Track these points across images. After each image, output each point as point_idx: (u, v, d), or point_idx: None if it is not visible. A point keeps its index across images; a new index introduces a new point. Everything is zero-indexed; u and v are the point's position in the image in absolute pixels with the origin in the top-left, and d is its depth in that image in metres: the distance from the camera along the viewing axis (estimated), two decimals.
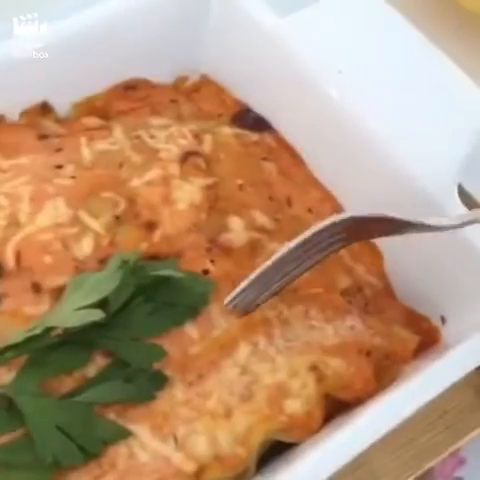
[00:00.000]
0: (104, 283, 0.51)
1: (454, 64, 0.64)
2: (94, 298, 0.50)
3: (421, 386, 0.51)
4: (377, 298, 0.63)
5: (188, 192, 0.62)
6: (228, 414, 0.51)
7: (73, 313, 0.50)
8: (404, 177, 0.61)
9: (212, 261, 0.58)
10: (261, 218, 0.63)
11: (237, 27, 0.70)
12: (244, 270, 0.56)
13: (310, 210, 0.67)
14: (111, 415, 0.50)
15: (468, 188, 0.65)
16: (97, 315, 0.49)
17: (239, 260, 0.59)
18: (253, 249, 0.61)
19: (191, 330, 0.55)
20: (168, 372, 0.52)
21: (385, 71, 0.64)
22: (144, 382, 0.52)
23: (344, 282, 0.63)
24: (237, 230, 0.61)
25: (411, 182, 0.61)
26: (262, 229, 0.62)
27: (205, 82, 0.76)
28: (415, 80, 0.63)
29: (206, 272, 0.58)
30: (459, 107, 0.63)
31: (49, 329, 0.49)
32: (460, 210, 0.58)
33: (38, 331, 0.49)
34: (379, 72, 0.64)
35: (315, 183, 0.68)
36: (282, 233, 0.62)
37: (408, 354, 0.59)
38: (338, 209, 0.67)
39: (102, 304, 0.51)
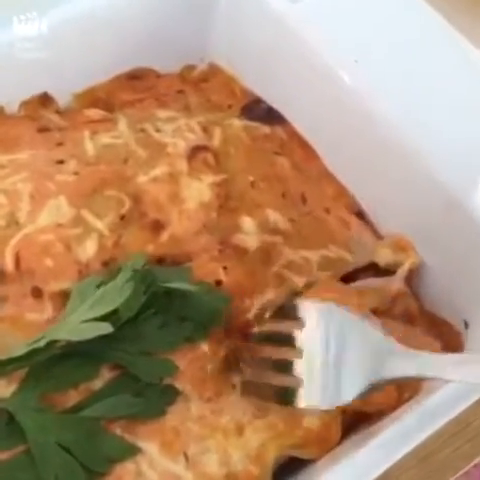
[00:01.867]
0: (113, 294, 0.48)
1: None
2: (103, 310, 0.47)
3: (447, 399, 0.48)
4: None
5: (197, 190, 0.58)
6: (240, 431, 0.48)
7: (80, 325, 0.46)
8: (426, 175, 0.58)
9: (225, 268, 0.55)
10: (274, 216, 0.60)
11: (248, 13, 0.67)
12: (257, 280, 0.54)
13: (327, 210, 0.64)
14: (117, 430, 0.47)
15: None
16: (106, 329, 0.46)
17: (252, 267, 0.56)
18: (267, 255, 0.58)
19: (204, 346, 0.52)
20: (185, 388, 0.50)
21: (404, 60, 0.61)
22: (155, 396, 0.49)
23: None
24: (249, 231, 0.58)
25: (433, 180, 0.58)
26: (276, 231, 0.59)
27: (213, 71, 0.72)
28: (435, 69, 0.60)
29: (219, 283, 0.54)
30: None
31: (53, 342, 0.46)
32: None
33: (42, 344, 0.45)
34: (398, 61, 0.60)
35: (329, 178, 0.65)
36: (299, 236, 0.59)
37: None
38: (353, 206, 0.64)
39: (110, 315, 0.48)
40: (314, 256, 0.59)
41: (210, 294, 0.52)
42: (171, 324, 0.51)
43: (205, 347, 0.51)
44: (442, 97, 0.61)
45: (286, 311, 0.51)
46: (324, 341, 0.48)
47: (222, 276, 0.54)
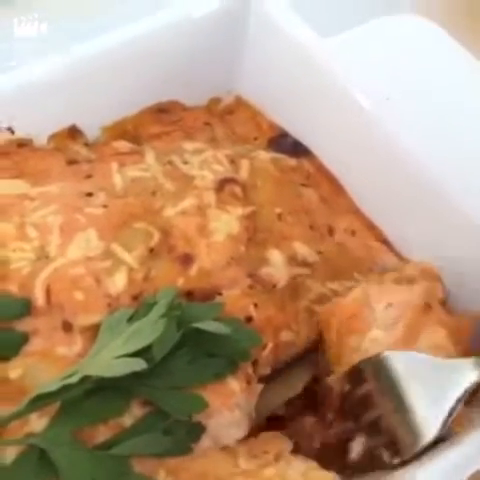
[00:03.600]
0: (146, 330, 0.48)
1: None
2: (135, 346, 0.47)
3: None
4: None
5: (225, 223, 0.58)
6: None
7: (112, 361, 0.46)
8: (456, 212, 0.58)
9: (255, 305, 0.55)
10: (302, 250, 0.60)
11: (276, 48, 0.67)
12: (287, 315, 0.54)
13: (353, 233, 0.64)
14: (162, 473, 0.47)
15: None
16: (139, 365, 0.46)
17: (281, 302, 0.57)
18: (296, 290, 0.58)
19: (233, 383, 0.51)
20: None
21: (435, 100, 0.61)
22: (182, 434, 0.49)
23: None
24: (278, 264, 0.58)
25: (464, 218, 0.57)
26: (304, 263, 0.59)
27: (239, 104, 0.73)
28: (468, 109, 0.60)
29: (249, 319, 0.54)
30: None
31: (86, 378, 0.46)
32: None
33: (75, 380, 0.45)
34: (430, 100, 0.61)
35: (357, 212, 0.65)
36: (325, 268, 0.59)
37: None
38: (383, 239, 0.64)
39: (143, 351, 0.47)
40: (340, 287, 0.59)
41: (240, 332, 0.52)
42: (200, 360, 0.51)
43: (234, 384, 0.51)
44: (469, 133, 0.61)
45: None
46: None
47: (253, 312, 0.54)
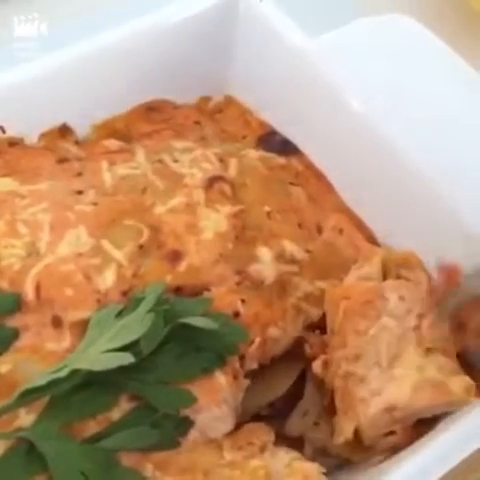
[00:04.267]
0: (134, 325, 0.49)
1: None
2: (123, 341, 0.48)
3: None
4: None
5: (214, 220, 0.59)
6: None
7: (100, 356, 0.47)
8: (445, 211, 0.59)
9: (243, 301, 0.56)
10: (291, 247, 0.60)
11: (265, 47, 0.68)
12: (274, 312, 0.54)
13: (341, 231, 0.64)
14: (149, 466, 0.48)
15: None
16: (126, 359, 0.46)
17: (269, 299, 0.57)
18: (283, 287, 0.58)
19: (220, 377, 0.52)
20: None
21: (421, 97, 0.61)
22: (170, 428, 0.49)
23: None
24: (266, 261, 0.58)
25: (454, 219, 0.58)
26: (292, 261, 0.60)
27: (229, 103, 0.73)
28: (452, 105, 0.61)
29: (237, 314, 0.55)
30: None
31: (74, 372, 0.46)
32: None
33: (63, 374, 0.46)
34: (415, 97, 0.61)
35: (345, 211, 0.65)
36: (314, 266, 0.60)
37: None
38: (370, 239, 0.64)
39: (131, 346, 0.48)
40: (329, 286, 0.60)
41: (228, 327, 0.53)
42: (188, 355, 0.51)
43: (222, 379, 0.52)
44: (454, 128, 0.62)
45: None
46: None
47: (240, 308, 0.55)
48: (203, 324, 0.51)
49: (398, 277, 0.56)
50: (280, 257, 0.59)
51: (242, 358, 0.54)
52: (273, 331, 0.56)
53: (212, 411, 0.51)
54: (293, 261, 0.60)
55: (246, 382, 0.54)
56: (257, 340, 0.55)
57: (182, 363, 0.51)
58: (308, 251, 0.61)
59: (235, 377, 0.53)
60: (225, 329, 0.52)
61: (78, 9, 0.73)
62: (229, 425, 0.53)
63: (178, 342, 0.51)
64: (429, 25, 0.66)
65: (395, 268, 0.56)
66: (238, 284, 0.56)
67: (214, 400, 0.51)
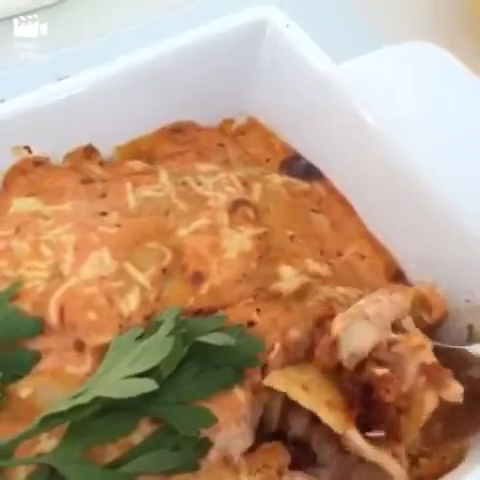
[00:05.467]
0: (155, 349, 0.48)
1: None
2: (144, 366, 0.47)
3: None
4: None
5: (238, 241, 0.59)
6: None
7: (121, 382, 0.47)
8: (469, 237, 0.58)
9: (258, 310, 0.55)
10: (313, 266, 0.60)
11: (289, 71, 0.68)
12: (293, 314, 0.54)
13: (362, 257, 0.64)
14: None
15: None
16: (149, 386, 0.46)
17: (287, 304, 0.56)
18: (302, 292, 0.57)
19: (240, 393, 0.51)
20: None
21: (444, 122, 0.61)
22: (190, 450, 0.49)
23: None
24: (288, 278, 0.58)
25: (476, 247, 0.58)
26: (315, 275, 0.59)
27: (252, 125, 0.73)
28: (474, 131, 0.61)
29: (252, 323, 0.54)
30: None
31: (96, 398, 0.46)
32: None
33: (86, 400, 0.46)
34: (439, 125, 0.61)
35: (368, 236, 0.65)
36: (335, 277, 0.60)
37: None
38: (392, 265, 0.64)
39: (151, 371, 0.48)
40: (352, 294, 0.59)
41: (243, 339, 0.52)
42: (207, 372, 0.51)
43: (241, 395, 0.51)
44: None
45: None
46: None
47: (255, 317, 0.54)
48: (219, 340, 0.50)
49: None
50: (303, 273, 0.59)
51: (265, 367, 0.53)
52: (294, 333, 0.55)
53: (231, 429, 0.51)
54: (316, 276, 0.59)
55: (265, 396, 0.53)
56: (277, 346, 0.54)
57: (201, 381, 0.51)
58: (330, 264, 0.61)
59: (254, 391, 0.52)
60: (241, 341, 0.51)
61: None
62: (248, 441, 0.52)
63: (196, 361, 0.51)
64: (451, 49, 0.66)
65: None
66: (254, 297, 0.56)
67: (233, 418, 0.51)
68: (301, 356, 0.55)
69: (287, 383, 0.51)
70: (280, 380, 0.51)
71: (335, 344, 0.52)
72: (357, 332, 0.52)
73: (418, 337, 0.54)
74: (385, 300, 0.55)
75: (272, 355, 0.53)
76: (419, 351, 0.52)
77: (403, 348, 0.53)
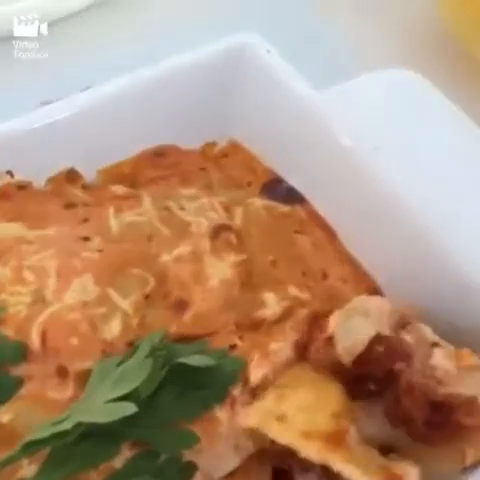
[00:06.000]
0: (133, 372, 0.49)
1: None
2: (124, 389, 0.48)
3: None
4: None
5: (219, 269, 0.59)
6: None
7: (103, 406, 0.47)
8: (447, 264, 0.59)
9: (240, 337, 0.56)
10: (295, 292, 0.61)
11: (270, 96, 0.69)
12: (273, 336, 0.54)
13: (345, 281, 0.65)
14: None
15: None
16: (129, 409, 0.46)
17: (268, 329, 0.57)
18: (283, 317, 0.58)
19: (220, 413, 0.52)
20: None
21: (422, 149, 0.63)
22: (174, 474, 0.49)
23: None
24: (272, 305, 0.59)
25: (455, 269, 0.59)
26: (298, 301, 0.60)
27: (234, 148, 0.74)
28: (454, 161, 0.62)
29: (233, 347, 0.55)
30: None
31: (79, 424, 0.46)
32: None
33: (68, 426, 0.46)
34: (416, 150, 0.62)
35: (350, 260, 0.66)
36: (317, 301, 0.60)
37: None
38: (374, 290, 0.64)
39: (131, 394, 0.48)
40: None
41: (224, 359, 0.53)
42: (188, 394, 0.51)
43: (221, 414, 0.52)
44: (456, 184, 0.63)
45: None
46: None
47: (237, 341, 0.55)
48: (200, 362, 0.51)
49: None
50: (284, 299, 0.60)
51: (246, 381, 0.53)
52: (274, 346, 0.55)
53: (214, 450, 0.51)
54: (297, 300, 0.60)
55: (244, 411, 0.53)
56: (256, 356, 0.54)
57: (182, 403, 0.51)
58: (309, 287, 0.61)
59: (232, 405, 0.52)
60: (222, 362, 0.52)
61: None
62: (232, 462, 0.52)
63: (177, 382, 0.51)
64: (431, 77, 0.67)
65: None
66: (237, 325, 0.56)
67: (215, 437, 0.51)
68: (292, 360, 0.55)
69: (261, 418, 0.51)
70: (254, 416, 0.52)
71: (330, 340, 0.53)
72: (353, 328, 0.53)
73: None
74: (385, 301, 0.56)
75: (252, 364, 0.53)
76: None
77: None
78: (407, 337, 0.54)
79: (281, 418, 0.51)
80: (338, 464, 0.49)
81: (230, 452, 0.52)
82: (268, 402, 0.52)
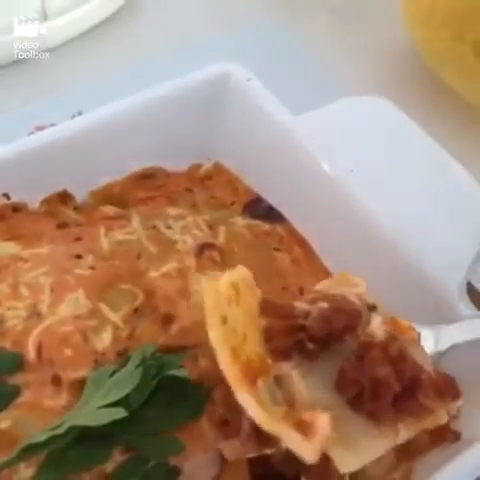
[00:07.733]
0: (124, 381, 0.53)
1: (459, 165, 0.67)
2: (115, 396, 0.51)
3: None
4: None
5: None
6: None
7: (95, 411, 0.51)
8: (414, 274, 0.63)
9: None
10: None
11: (251, 121, 0.73)
12: None
13: None
14: None
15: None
16: (119, 413, 0.50)
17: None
18: None
19: (203, 422, 0.55)
20: None
21: (394, 171, 0.67)
22: (161, 479, 0.53)
23: None
24: None
25: (422, 280, 0.63)
26: None
27: (218, 170, 0.78)
28: (422, 180, 0.66)
29: None
30: (465, 207, 0.65)
31: (72, 428, 0.50)
32: (469, 309, 0.60)
33: (61, 430, 0.49)
34: (388, 172, 0.66)
35: (326, 275, 0.70)
36: None
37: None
38: None
39: (122, 401, 0.52)
40: None
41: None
42: (176, 404, 0.55)
43: (204, 422, 0.55)
44: (431, 206, 0.67)
45: None
46: None
47: None
48: (187, 373, 0.55)
49: None
50: None
51: None
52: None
53: (198, 457, 0.54)
54: None
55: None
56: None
57: (171, 413, 0.54)
58: None
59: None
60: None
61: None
62: (216, 469, 0.55)
63: (166, 393, 0.55)
64: (403, 102, 0.71)
65: None
66: None
67: (200, 447, 0.54)
68: None
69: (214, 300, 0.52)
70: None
71: None
72: None
73: None
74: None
75: None
76: None
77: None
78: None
79: (224, 319, 0.52)
80: (247, 401, 0.48)
81: (216, 459, 0.55)
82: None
